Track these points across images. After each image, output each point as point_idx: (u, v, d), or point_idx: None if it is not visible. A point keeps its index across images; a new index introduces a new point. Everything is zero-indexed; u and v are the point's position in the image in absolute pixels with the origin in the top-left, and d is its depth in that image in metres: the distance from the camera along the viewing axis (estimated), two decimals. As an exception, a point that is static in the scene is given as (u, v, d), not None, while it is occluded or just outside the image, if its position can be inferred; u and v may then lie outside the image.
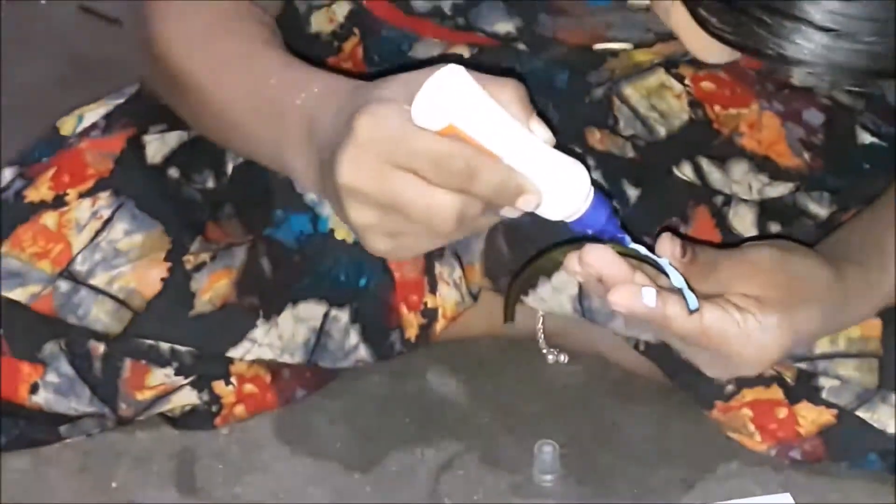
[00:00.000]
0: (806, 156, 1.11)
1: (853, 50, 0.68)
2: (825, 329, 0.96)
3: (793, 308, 0.89)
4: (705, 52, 0.81)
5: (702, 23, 0.71)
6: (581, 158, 0.81)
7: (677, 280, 0.85)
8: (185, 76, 0.98)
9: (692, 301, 0.86)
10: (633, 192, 1.13)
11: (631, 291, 0.84)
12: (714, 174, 1.12)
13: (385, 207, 0.78)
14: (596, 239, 0.85)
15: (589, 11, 1.04)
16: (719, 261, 0.89)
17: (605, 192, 0.84)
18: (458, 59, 0.86)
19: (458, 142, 0.76)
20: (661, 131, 1.13)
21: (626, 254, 0.85)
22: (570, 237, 0.88)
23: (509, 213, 0.80)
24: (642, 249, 0.85)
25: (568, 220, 0.82)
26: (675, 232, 0.90)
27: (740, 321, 0.87)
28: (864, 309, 0.98)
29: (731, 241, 1.07)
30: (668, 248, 0.86)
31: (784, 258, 0.90)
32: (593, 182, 0.82)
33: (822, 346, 1.04)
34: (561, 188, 0.80)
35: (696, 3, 0.72)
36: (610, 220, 0.83)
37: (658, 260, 0.86)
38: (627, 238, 0.84)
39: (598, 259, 0.85)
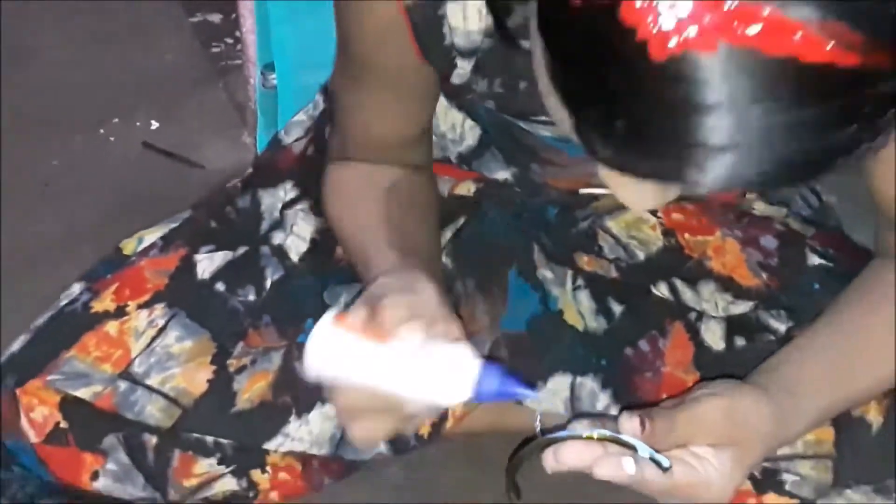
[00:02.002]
0: (764, 276, 1.09)
1: (747, 164, 0.62)
2: (768, 453, 0.92)
3: (741, 447, 0.87)
4: (637, 204, 0.75)
5: (594, 155, 0.66)
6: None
7: (644, 451, 0.82)
8: (330, 217, 1.05)
9: (665, 462, 0.83)
10: (617, 308, 1.11)
11: (613, 463, 0.81)
12: (687, 293, 1.10)
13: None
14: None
15: (572, 162, 1.03)
16: (675, 420, 0.84)
17: (500, 360, 0.84)
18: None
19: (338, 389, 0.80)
20: (640, 256, 1.12)
21: (598, 438, 0.83)
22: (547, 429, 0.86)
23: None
24: (608, 434, 0.82)
25: (470, 400, 0.79)
26: (634, 406, 0.87)
27: (701, 470, 0.85)
28: (798, 430, 0.94)
29: (704, 356, 1.07)
30: (629, 427, 0.82)
31: (728, 406, 0.86)
32: (487, 358, 0.80)
33: (783, 449, 1.00)
34: (443, 380, 0.77)
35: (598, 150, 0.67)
36: (505, 385, 0.79)
37: (625, 438, 0.82)
38: (530, 392, 0.81)
39: (571, 455, 0.82)
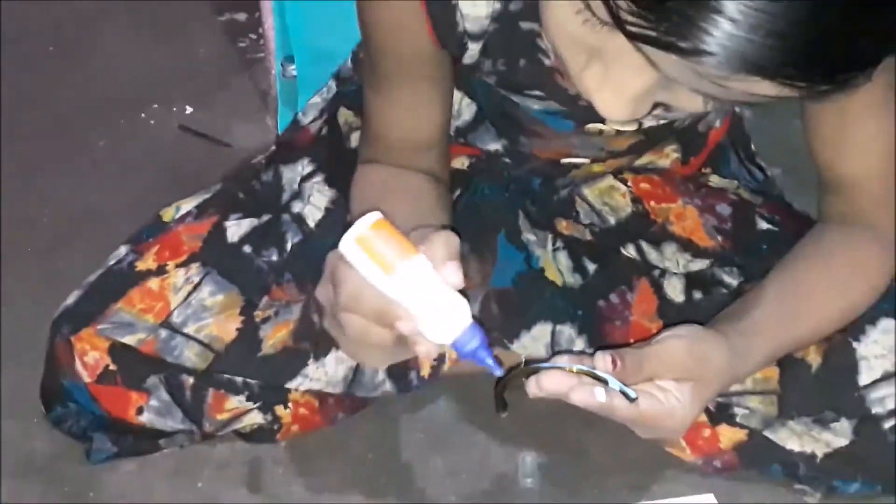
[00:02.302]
0: (719, 239, 1.09)
1: (763, 45, 0.55)
2: (722, 389, 0.93)
3: (701, 381, 0.87)
4: (611, 111, 0.70)
5: (620, 24, 0.59)
6: (465, 293, 0.75)
7: (614, 384, 0.83)
8: (353, 214, 0.99)
9: (632, 394, 0.85)
10: (591, 266, 1.11)
11: (587, 392, 0.83)
12: (652, 253, 1.10)
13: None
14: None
15: (556, 135, 1.03)
16: (643, 358, 0.85)
17: (482, 326, 0.78)
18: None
19: (349, 273, 0.73)
20: (612, 220, 1.12)
21: (577, 371, 0.84)
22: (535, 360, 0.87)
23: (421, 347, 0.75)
24: (585, 368, 0.84)
25: (450, 345, 0.75)
26: (607, 347, 0.88)
27: (665, 401, 0.86)
28: (749, 369, 0.95)
29: (666, 307, 1.07)
30: (602, 364, 0.83)
31: (689, 347, 0.87)
32: (474, 318, 0.76)
33: (734, 386, 1.00)
34: (440, 319, 0.73)
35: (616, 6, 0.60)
36: (483, 350, 0.76)
37: (598, 373, 0.84)
38: (497, 369, 0.78)
39: (551, 383, 0.83)
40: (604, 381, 0.83)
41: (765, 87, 0.58)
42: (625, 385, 0.84)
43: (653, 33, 0.57)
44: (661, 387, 0.86)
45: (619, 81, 0.66)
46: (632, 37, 0.59)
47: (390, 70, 0.94)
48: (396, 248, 0.72)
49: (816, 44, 0.56)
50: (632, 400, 0.84)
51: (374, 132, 1.00)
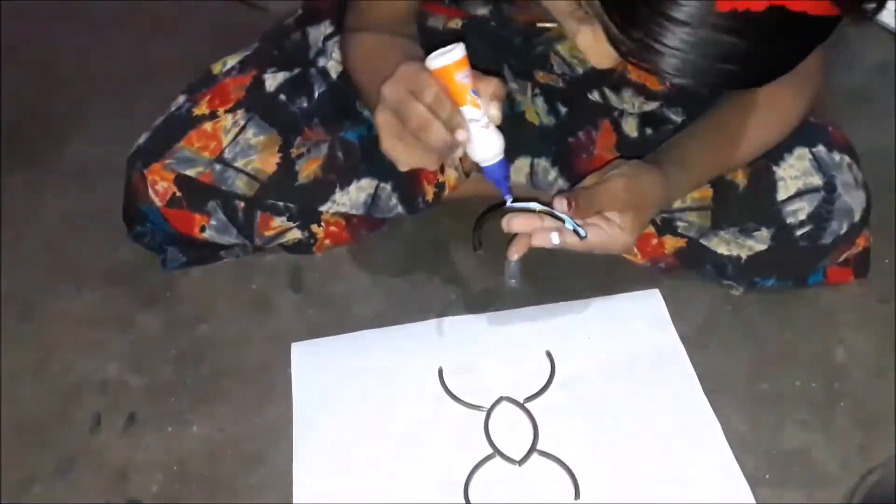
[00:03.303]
0: (668, 84, 1.10)
1: (701, 68, 0.66)
2: (659, 210, 0.99)
3: (639, 209, 0.94)
4: (601, 63, 0.81)
5: (615, 44, 0.69)
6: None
7: (569, 224, 0.90)
8: (351, 68, 1.03)
9: (582, 232, 0.91)
10: (563, 109, 1.14)
11: (543, 236, 0.91)
12: (612, 97, 1.12)
13: (394, 111, 0.82)
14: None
15: (534, 5, 1.04)
16: (592, 197, 0.91)
17: (508, 162, 0.88)
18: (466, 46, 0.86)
19: (438, 83, 0.81)
20: (580, 71, 1.13)
21: (540, 211, 0.90)
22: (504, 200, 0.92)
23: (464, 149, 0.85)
24: (546, 208, 0.90)
25: (482, 165, 0.86)
26: (574, 179, 0.94)
27: (608, 230, 0.93)
28: (683, 192, 1.01)
29: (623, 141, 1.10)
30: (559, 205, 0.90)
31: (628, 184, 0.92)
32: (506, 154, 0.86)
33: (676, 204, 1.05)
34: (483, 142, 0.84)
35: (613, 39, 0.69)
36: (504, 180, 0.87)
37: (557, 213, 0.90)
38: (508, 196, 0.88)
39: (518, 224, 0.91)
40: (561, 220, 0.90)
41: None
42: (579, 220, 0.91)
43: (639, 61, 0.67)
44: (607, 217, 0.93)
45: (605, 43, 0.73)
46: (623, 55, 0.68)
47: None
48: (466, 85, 0.81)
49: (757, 70, 0.66)
50: (582, 238, 0.91)
51: (363, 7, 1.01)
